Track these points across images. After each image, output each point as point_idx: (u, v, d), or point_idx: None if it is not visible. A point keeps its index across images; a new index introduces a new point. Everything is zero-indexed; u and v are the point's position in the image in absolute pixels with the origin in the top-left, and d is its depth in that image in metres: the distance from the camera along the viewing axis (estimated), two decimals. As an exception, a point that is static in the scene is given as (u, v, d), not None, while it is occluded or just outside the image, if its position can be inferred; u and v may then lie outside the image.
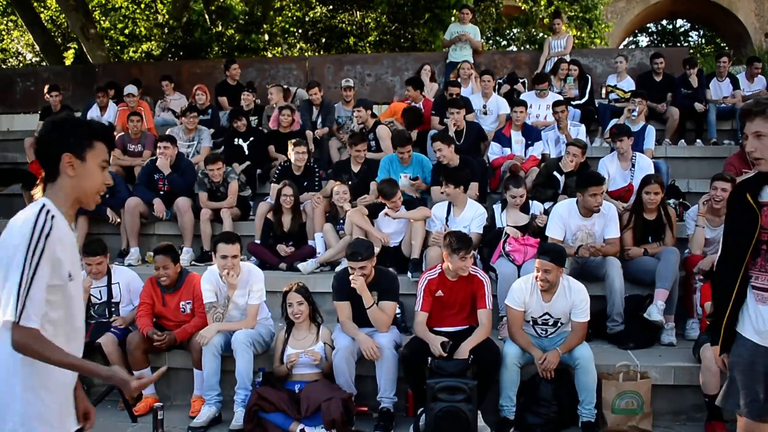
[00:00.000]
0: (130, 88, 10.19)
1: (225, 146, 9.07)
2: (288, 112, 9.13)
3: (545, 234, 6.34)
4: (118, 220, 7.84)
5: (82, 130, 2.56)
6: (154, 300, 5.80)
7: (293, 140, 8.04)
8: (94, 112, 10.39)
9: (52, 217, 2.41)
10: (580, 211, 6.27)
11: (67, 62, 17.71)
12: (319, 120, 9.70)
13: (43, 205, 2.43)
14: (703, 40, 30.04)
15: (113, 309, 5.97)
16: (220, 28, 18.23)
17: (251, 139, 8.98)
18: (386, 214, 6.74)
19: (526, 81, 10.82)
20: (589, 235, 6.25)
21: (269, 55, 19.31)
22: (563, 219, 6.29)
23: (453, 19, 11.71)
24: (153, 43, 18.80)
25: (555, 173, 7.41)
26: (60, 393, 2.53)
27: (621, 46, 22.89)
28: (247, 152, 8.89)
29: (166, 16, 18.59)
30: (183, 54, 17.36)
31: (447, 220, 6.63)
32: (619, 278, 5.91)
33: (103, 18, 19.35)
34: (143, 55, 18.82)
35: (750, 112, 3.04)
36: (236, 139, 8.98)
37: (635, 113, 8.31)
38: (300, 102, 10.46)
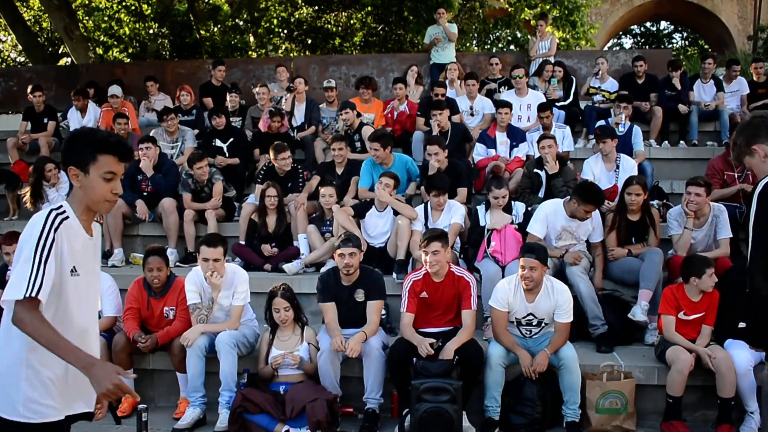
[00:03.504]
0: (114, 89, 10.14)
1: (204, 148, 8.97)
2: (278, 119, 9.10)
3: (526, 230, 6.37)
4: (101, 220, 7.80)
5: (85, 144, 2.66)
6: (140, 304, 5.76)
7: (274, 145, 7.95)
8: (74, 114, 10.31)
9: (65, 216, 2.62)
10: (567, 212, 6.30)
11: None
12: (303, 118, 9.72)
13: (60, 206, 2.65)
14: (687, 42, 30.26)
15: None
16: (212, 28, 18.17)
17: (231, 140, 8.94)
18: (375, 211, 6.72)
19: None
20: (572, 235, 6.28)
21: (254, 55, 19.27)
22: (548, 218, 6.32)
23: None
24: (137, 45, 18.71)
25: (536, 170, 7.44)
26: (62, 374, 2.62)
27: (605, 48, 23.03)
28: (227, 154, 8.85)
29: (151, 18, 18.50)
30: (175, 55, 17.30)
31: (426, 224, 6.64)
32: (584, 283, 5.92)
33: (87, 18, 19.23)
34: (130, 53, 18.73)
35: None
36: (215, 140, 8.94)
37: (622, 118, 8.34)
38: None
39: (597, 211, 6.45)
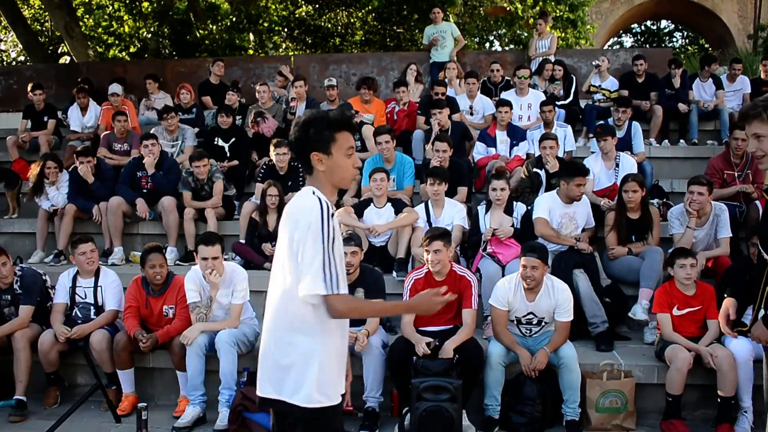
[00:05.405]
0: (115, 87, 10.12)
1: (204, 147, 8.91)
2: (260, 120, 9.10)
3: (532, 217, 6.46)
4: (100, 219, 7.81)
5: (322, 126, 2.73)
6: (139, 303, 5.75)
7: (274, 141, 8.00)
8: (74, 112, 10.29)
9: (327, 201, 2.68)
10: (562, 199, 6.41)
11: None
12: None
13: (314, 192, 2.69)
14: (687, 41, 30.23)
15: (95, 312, 5.93)
16: (211, 27, 18.14)
17: (233, 140, 8.92)
18: (369, 229, 6.71)
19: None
20: (571, 220, 6.34)
21: (253, 53, 19.26)
22: (548, 205, 6.42)
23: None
24: (137, 44, 18.70)
25: (536, 170, 7.43)
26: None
27: (606, 47, 23.01)
28: (228, 154, 8.83)
29: (151, 16, 18.49)
30: (175, 53, 17.29)
31: (429, 221, 6.63)
32: (583, 280, 5.93)
33: (87, 16, 19.21)
34: (130, 52, 18.72)
35: (747, 115, 3.07)
36: (216, 139, 8.93)
37: (620, 120, 8.32)
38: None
39: (587, 200, 6.58)
